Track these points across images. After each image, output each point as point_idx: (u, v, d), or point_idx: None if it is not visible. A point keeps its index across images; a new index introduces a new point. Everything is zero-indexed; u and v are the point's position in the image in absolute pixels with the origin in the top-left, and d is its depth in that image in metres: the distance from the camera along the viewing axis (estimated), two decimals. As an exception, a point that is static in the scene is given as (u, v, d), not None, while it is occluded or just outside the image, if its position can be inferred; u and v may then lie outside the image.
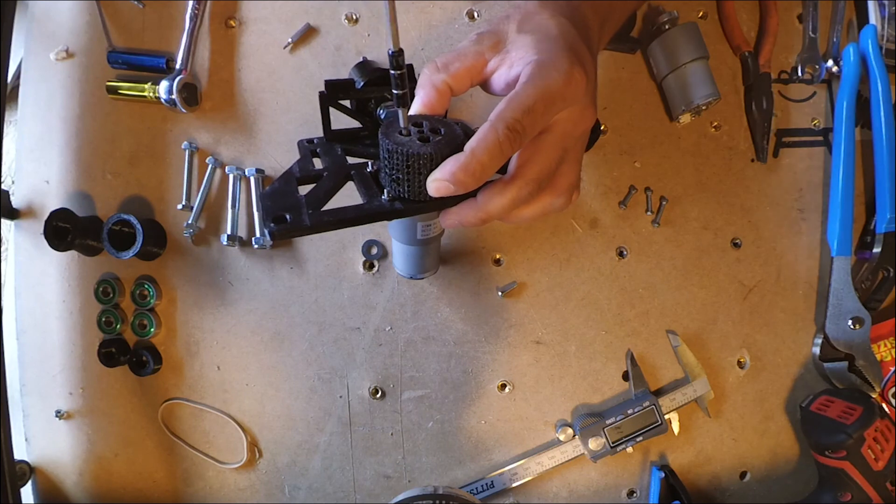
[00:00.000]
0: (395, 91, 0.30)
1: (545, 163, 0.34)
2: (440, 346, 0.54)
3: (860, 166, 0.56)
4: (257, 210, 0.53)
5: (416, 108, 0.35)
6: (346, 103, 0.42)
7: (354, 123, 0.43)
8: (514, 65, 0.34)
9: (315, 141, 0.42)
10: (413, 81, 0.38)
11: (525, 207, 0.35)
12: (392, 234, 0.45)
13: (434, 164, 0.32)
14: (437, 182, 0.31)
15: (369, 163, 0.37)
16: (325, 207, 0.33)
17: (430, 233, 0.42)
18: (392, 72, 0.30)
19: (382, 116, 0.42)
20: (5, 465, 0.47)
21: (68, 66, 0.55)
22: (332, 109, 0.42)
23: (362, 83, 0.41)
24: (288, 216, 0.32)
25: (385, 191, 0.34)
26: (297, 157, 0.53)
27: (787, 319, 0.57)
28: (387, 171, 0.33)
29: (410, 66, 0.40)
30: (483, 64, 0.35)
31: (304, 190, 0.35)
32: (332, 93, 0.40)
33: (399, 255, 0.47)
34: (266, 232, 0.31)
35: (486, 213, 0.34)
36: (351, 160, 0.39)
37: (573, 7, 0.37)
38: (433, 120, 0.35)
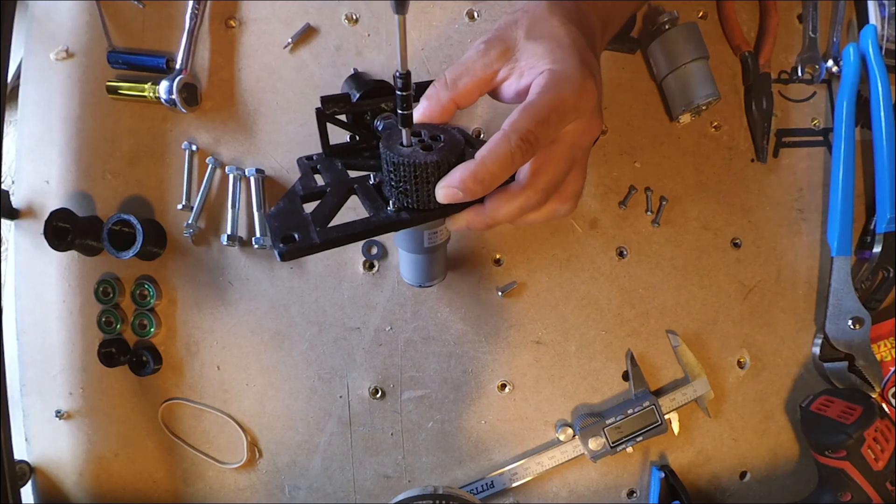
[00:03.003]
0: (399, 111, 0.31)
1: (555, 173, 0.34)
2: (440, 346, 0.54)
3: (860, 166, 0.56)
4: (257, 210, 0.53)
5: (416, 118, 0.35)
6: (342, 117, 0.41)
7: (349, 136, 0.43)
8: (524, 74, 0.34)
9: (314, 157, 0.42)
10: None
11: (532, 213, 0.36)
12: (398, 244, 0.45)
13: (441, 171, 0.32)
14: (447, 189, 0.31)
15: (371, 175, 0.37)
16: (332, 223, 0.33)
17: (436, 240, 0.42)
18: (398, 92, 0.30)
19: (380, 128, 0.41)
20: (5, 465, 0.47)
21: (68, 66, 0.55)
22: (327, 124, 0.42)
23: (358, 96, 0.41)
24: (296, 235, 0.32)
25: (390, 202, 0.34)
26: (297, 155, 0.53)
27: (787, 319, 0.57)
28: (392, 182, 0.33)
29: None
30: (492, 76, 0.35)
31: (308, 207, 0.35)
32: (329, 108, 0.40)
33: (406, 264, 0.47)
34: (276, 253, 0.31)
35: (495, 219, 0.34)
36: (352, 173, 0.39)
37: (580, 12, 0.37)
38: (431, 127, 0.35)
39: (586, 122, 0.34)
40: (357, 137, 0.43)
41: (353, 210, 0.42)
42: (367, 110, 0.41)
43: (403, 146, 0.33)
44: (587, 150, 0.37)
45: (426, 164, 0.31)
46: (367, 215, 0.34)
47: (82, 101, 0.54)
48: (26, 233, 0.55)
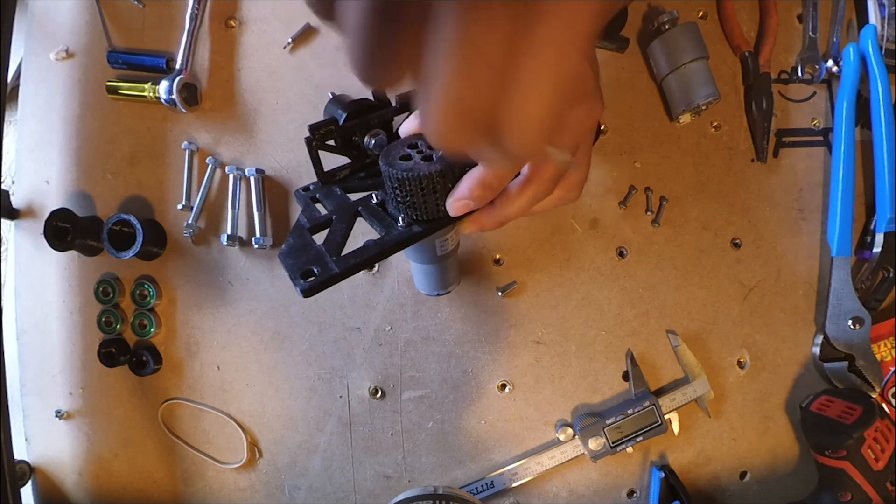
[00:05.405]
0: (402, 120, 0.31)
1: (559, 162, 0.34)
2: (440, 346, 0.54)
3: (860, 166, 0.56)
4: (257, 210, 0.53)
5: (416, 128, 0.35)
6: (331, 142, 0.41)
7: (340, 160, 0.43)
8: None
9: (311, 187, 0.42)
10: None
11: (539, 204, 0.36)
12: (409, 256, 0.44)
13: (446, 179, 0.32)
14: (458, 202, 0.31)
15: (373, 194, 0.37)
16: (345, 249, 0.33)
17: (447, 247, 0.42)
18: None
19: (371, 147, 0.41)
20: (5, 465, 0.47)
21: (68, 66, 0.55)
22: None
23: (344, 116, 0.41)
24: (315, 269, 0.32)
25: (399, 218, 0.34)
26: (297, 155, 0.53)
27: (787, 319, 0.57)
28: (399, 198, 0.33)
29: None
30: None
31: (317, 238, 0.35)
32: (317, 134, 0.39)
33: (421, 275, 0.46)
34: (298, 290, 0.31)
35: (506, 217, 0.34)
36: (352, 196, 0.39)
37: None
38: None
39: (586, 107, 0.34)
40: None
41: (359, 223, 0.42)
42: (356, 131, 0.41)
43: (403, 161, 0.33)
44: (589, 135, 0.37)
45: (431, 175, 0.31)
46: (378, 235, 0.34)
47: (82, 101, 0.54)
48: (26, 233, 0.55)
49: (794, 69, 0.57)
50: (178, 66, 0.52)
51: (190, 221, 0.53)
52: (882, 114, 0.53)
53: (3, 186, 0.55)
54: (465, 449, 0.54)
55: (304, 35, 0.54)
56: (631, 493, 0.55)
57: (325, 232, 0.36)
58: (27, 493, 0.55)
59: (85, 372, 0.55)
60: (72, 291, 0.55)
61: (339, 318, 0.54)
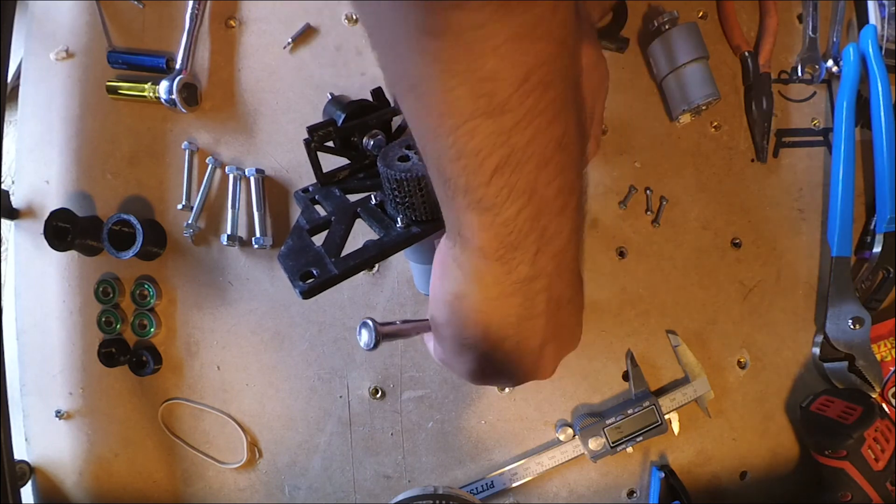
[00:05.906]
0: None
1: None
2: (440, 346, 0.54)
3: (860, 166, 0.56)
4: (257, 210, 0.53)
5: None
6: (330, 143, 0.41)
7: (340, 161, 0.42)
8: None
9: (311, 189, 0.42)
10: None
11: None
12: (409, 257, 0.44)
13: None
14: None
15: (371, 195, 0.37)
16: (344, 250, 0.33)
17: None
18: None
19: (370, 147, 0.41)
20: (5, 465, 0.47)
21: (68, 66, 0.55)
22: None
23: (342, 117, 0.41)
24: (315, 271, 0.32)
25: (398, 218, 0.34)
26: (297, 156, 0.53)
27: (787, 319, 0.56)
28: (398, 199, 0.33)
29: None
30: None
31: (316, 240, 0.35)
32: (316, 136, 0.39)
33: (421, 275, 0.46)
34: (297, 292, 0.31)
35: None
36: (351, 197, 0.39)
37: None
38: None
39: (588, 68, 0.34)
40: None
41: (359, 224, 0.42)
42: (354, 132, 0.41)
43: (401, 161, 0.33)
44: (600, 87, 0.37)
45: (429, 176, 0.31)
46: (377, 236, 0.34)
47: (82, 101, 0.54)
48: (26, 233, 0.55)
49: (794, 69, 0.57)
50: (178, 66, 0.52)
51: (190, 221, 0.53)
52: (882, 114, 0.53)
53: (3, 186, 0.55)
54: (465, 449, 0.54)
55: (304, 35, 0.54)
56: (631, 493, 0.55)
57: (325, 233, 0.36)
58: (27, 493, 0.55)
59: (85, 372, 0.55)
60: (72, 291, 0.55)
61: (339, 318, 0.54)
